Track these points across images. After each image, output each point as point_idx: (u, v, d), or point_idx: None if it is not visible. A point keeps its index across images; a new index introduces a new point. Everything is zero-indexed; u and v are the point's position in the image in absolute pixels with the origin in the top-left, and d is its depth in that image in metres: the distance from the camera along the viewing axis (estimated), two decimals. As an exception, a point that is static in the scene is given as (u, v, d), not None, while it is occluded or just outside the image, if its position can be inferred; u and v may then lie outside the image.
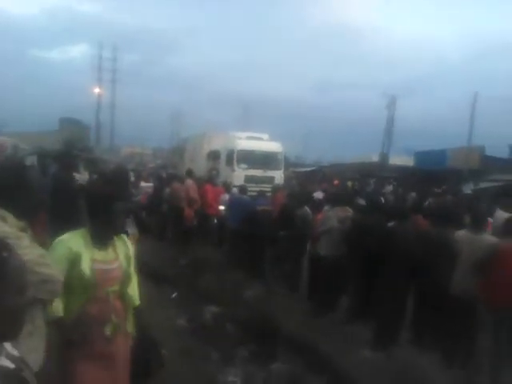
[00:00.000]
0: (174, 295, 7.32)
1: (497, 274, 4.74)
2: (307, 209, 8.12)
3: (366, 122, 76.57)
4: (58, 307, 2.55)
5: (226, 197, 11.15)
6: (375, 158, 37.11)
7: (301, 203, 8.42)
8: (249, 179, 15.05)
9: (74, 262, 2.62)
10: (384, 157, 36.55)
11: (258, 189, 11.36)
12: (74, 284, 2.63)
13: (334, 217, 7.04)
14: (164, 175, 16.34)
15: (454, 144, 29.34)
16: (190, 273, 8.26)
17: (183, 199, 10.67)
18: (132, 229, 4.90)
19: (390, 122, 37.83)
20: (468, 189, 20.03)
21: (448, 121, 74.83)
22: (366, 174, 28.34)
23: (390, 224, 6.12)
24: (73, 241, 2.68)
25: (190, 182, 11.37)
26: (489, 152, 27.24)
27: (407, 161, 33.54)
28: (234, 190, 11.64)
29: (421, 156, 31.25)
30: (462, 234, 5.43)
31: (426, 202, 11.04)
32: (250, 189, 11.20)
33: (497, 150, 28.54)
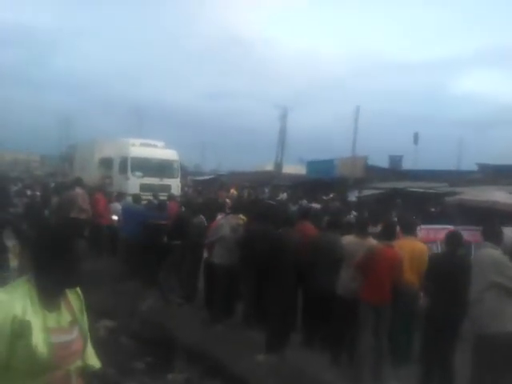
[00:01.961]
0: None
1: (373, 274, 5.16)
2: (202, 217, 8.15)
3: (261, 132, 78.94)
4: None
5: (119, 206, 10.79)
6: (270, 167, 38.38)
7: (196, 212, 8.44)
8: (144, 188, 14.66)
9: (19, 335, 1.83)
10: (278, 166, 37.93)
11: (152, 197, 11.12)
12: (20, 367, 1.85)
13: (226, 225, 7.17)
14: (52, 184, 15.33)
15: (341, 154, 31.41)
16: (82, 285, 7.82)
17: (74, 209, 10.09)
18: (12, 241, 4.54)
19: (283, 132, 39.40)
20: (353, 196, 21.58)
21: (336, 132, 79.84)
22: (261, 182, 29.18)
23: (278, 231, 6.36)
24: (15, 303, 1.86)
25: (79, 190, 10.80)
26: (371, 162, 29.64)
27: (300, 169, 35.20)
28: (128, 198, 11.31)
29: (312, 165, 33.00)
30: (348, 238, 5.84)
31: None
32: (145, 197, 10.94)
33: (378, 160, 31.16)
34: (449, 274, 4.87)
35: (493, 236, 4.75)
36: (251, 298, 6.84)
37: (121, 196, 12.03)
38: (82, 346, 2.07)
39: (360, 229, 5.81)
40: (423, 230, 7.47)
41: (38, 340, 1.86)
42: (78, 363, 2.05)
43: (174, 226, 8.39)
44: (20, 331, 1.83)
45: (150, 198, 11.04)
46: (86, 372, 2.11)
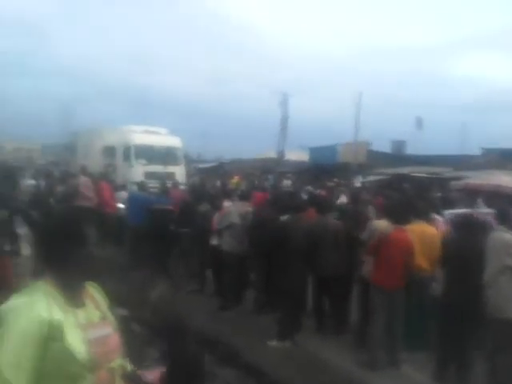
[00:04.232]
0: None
1: (385, 258, 5.11)
2: (207, 205, 8.11)
3: (263, 119, 78.57)
4: None
5: (125, 194, 10.74)
6: (273, 154, 38.25)
7: (201, 199, 8.39)
8: (149, 175, 14.57)
9: (50, 337, 1.65)
10: (281, 153, 37.79)
11: (158, 185, 11.05)
12: (57, 373, 1.68)
13: (235, 212, 7.12)
14: (55, 172, 15.25)
15: (343, 140, 31.24)
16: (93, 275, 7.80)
17: (79, 197, 10.06)
18: (23, 229, 4.50)
19: (285, 119, 39.15)
20: (358, 182, 21.50)
21: (337, 118, 79.50)
22: (264, 169, 29.09)
23: (285, 217, 6.31)
24: (38, 304, 1.68)
25: (84, 179, 10.75)
26: (374, 147, 29.50)
27: (302, 156, 35.06)
28: (133, 187, 11.25)
29: (314, 152, 32.85)
30: (381, 223, 5.58)
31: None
32: (150, 185, 10.87)
33: (381, 145, 31.03)
34: (462, 258, 4.81)
35: (506, 219, 4.70)
36: (261, 284, 6.82)
37: (126, 185, 11.98)
38: (119, 341, 1.91)
39: (396, 214, 5.44)
40: (448, 214, 7.32)
41: (74, 338, 1.70)
42: (119, 361, 1.90)
43: (180, 213, 8.34)
44: (51, 333, 1.66)
45: (157, 186, 10.95)
46: (125, 372, 1.96)
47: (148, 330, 5.78)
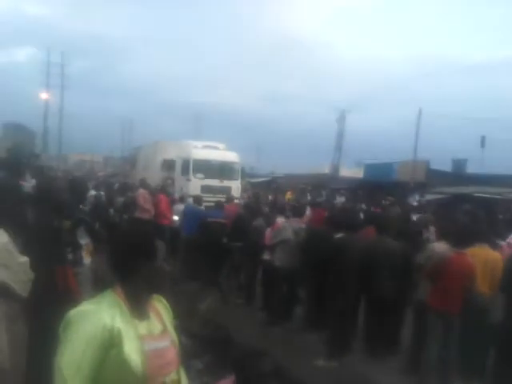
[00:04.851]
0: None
1: (443, 281, 4.95)
2: (261, 220, 8.18)
3: (316, 135, 78.27)
4: None
5: (181, 207, 11.05)
6: (326, 170, 37.98)
7: (256, 214, 8.48)
8: (205, 189, 14.84)
9: (110, 344, 1.74)
10: (335, 168, 37.49)
11: (214, 199, 11.28)
12: (113, 380, 1.75)
13: (289, 228, 7.14)
14: (115, 184, 15.93)
15: (400, 158, 30.50)
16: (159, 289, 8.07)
17: (137, 209, 10.48)
18: (85, 239, 4.76)
19: (340, 135, 38.90)
20: (414, 200, 20.86)
21: (395, 136, 77.81)
22: (317, 185, 28.92)
23: (340, 235, 6.24)
24: (103, 312, 1.77)
25: (142, 191, 11.18)
26: (433, 165, 28.55)
27: (357, 173, 34.57)
28: (190, 200, 11.54)
29: (369, 168, 32.30)
30: (440, 246, 5.44)
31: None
32: (206, 199, 11.10)
33: (441, 163, 29.97)
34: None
35: None
36: (311, 302, 6.77)
37: (183, 198, 12.29)
38: (176, 357, 1.95)
39: (458, 239, 5.19)
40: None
41: (131, 348, 1.75)
42: (174, 376, 1.92)
43: (233, 227, 8.48)
44: (111, 340, 1.73)
45: (212, 200, 11.18)
46: None
47: (195, 342, 5.90)
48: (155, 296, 2.01)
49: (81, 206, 5.70)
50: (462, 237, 5.22)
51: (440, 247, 5.22)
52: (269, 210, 9.20)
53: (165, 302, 2.07)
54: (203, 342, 5.94)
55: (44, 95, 42.63)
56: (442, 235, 5.56)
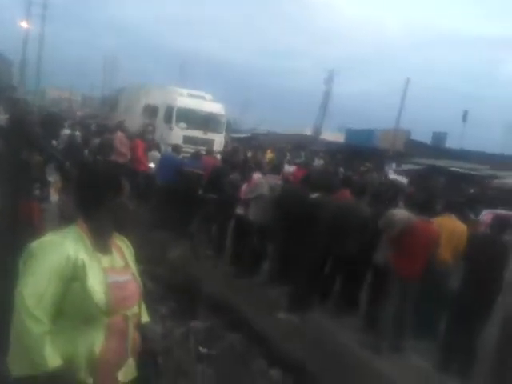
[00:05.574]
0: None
1: (407, 248, 5.07)
2: (238, 174, 8.14)
3: (303, 94, 77.43)
4: (48, 354, 1.67)
5: (158, 155, 10.90)
6: (308, 132, 37.84)
7: (232, 168, 8.43)
8: (187, 140, 14.36)
9: (73, 276, 1.75)
10: (317, 130, 37.38)
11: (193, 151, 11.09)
12: (75, 312, 1.77)
13: (265, 184, 7.14)
14: (92, 125, 15.50)
15: (383, 126, 30.59)
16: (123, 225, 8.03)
17: (113, 152, 10.26)
18: (54, 176, 4.66)
19: (326, 96, 38.58)
20: (390, 169, 21.13)
21: (380, 102, 77.68)
22: (298, 145, 28.86)
23: (316, 195, 6.30)
24: (68, 244, 1.79)
25: (120, 134, 10.93)
26: (414, 136, 28.81)
27: (338, 137, 34.59)
28: (169, 148, 11.35)
29: (351, 134, 32.37)
30: (402, 212, 5.56)
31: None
32: (186, 150, 10.88)
33: (422, 135, 30.26)
34: (488, 256, 4.81)
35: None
36: (278, 257, 6.88)
37: (158, 145, 12.06)
38: (137, 291, 1.99)
39: (423, 207, 5.35)
40: (488, 214, 7.22)
41: (95, 280, 1.77)
42: (135, 310, 1.96)
43: (210, 179, 8.43)
44: (74, 272, 1.75)
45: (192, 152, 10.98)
46: (140, 324, 2.03)
47: (161, 288, 5.97)
48: (117, 235, 2.03)
49: (54, 143, 5.53)
50: (429, 206, 5.35)
51: (400, 214, 5.31)
52: (247, 166, 9.12)
53: (127, 241, 2.09)
54: (169, 289, 6.02)
55: (24, 24, 40.44)
56: (410, 203, 5.66)
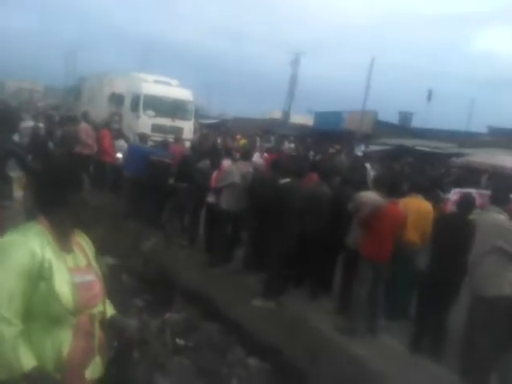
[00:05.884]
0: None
1: (375, 230, 5.14)
2: (207, 162, 8.07)
3: (270, 78, 77.15)
4: (22, 357, 1.64)
5: (124, 144, 10.68)
6: (277, 115, 37.79)
7: (202, 156, 8.35)
8: (155, 128, 14.04)
9: (41, 276, 1.71)
10: (286, 115, 37.37)
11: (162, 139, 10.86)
12: (43, 312, 1.73)
13: (236, 171, 7.09)
14: (55, 116, 15.00)
15: (350, 107, 30.83)
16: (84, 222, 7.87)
17: (78, 143, 10.00)
18: (16, 172, 4.48)
19: (293, 79, 38.54)
20: (359, 150, 21.37)
21: (348, 84, 78.22)
22: (267, 130, 28.83)
23: (285, 181, 6.30)
24: (32, 241, 1.74)
25: (84, 125, 10.66)
26: (381, 117, 29.16)
27: (308, 120, 34.69)
28: (136, 138, 11.13)
29: (319, 116, 32.52)
30: (370, 194, 5.64)
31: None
32: (155, 138, 10.67)
33: (388, 115, 30.69)
34: (454, 235, 4.87)
35: (500, 201, 4.69)
36: (252, 244, 6.89)
37: (123, 133, 11.79)
38: (101, 289, 1.98)
39: (388, 187, 5.43)
40: (457, 193, 7.36)
41: (61, 280, 1.75)
42: (100, 308, 1.97)
43: (179, 167, 8.32)
44: (41, 272, 1.71)
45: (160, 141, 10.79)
46: (104, 319, 2.02)
47: (136, 280, 5.89)
48: (77, 232, 2.02)
49: (14, 138, 5.32)
50: (395, 187, 5.42)
51: (368, 196, 5.37)
52: (217, 153, 9.03)
53: (86, 237, 2.07)
54: (144, 282, 5.95)
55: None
56: (377, 185, 5.73)
